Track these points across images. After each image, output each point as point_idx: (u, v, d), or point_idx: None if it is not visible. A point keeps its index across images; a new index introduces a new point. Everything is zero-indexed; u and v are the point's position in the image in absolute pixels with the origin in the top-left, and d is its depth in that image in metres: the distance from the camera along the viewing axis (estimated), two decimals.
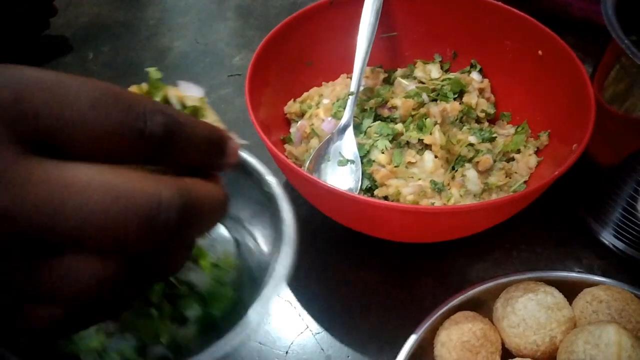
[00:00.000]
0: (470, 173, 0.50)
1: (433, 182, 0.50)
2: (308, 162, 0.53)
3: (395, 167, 0.51)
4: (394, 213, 0.43)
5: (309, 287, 0.50)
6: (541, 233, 0.53)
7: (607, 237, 0.52)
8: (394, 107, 0.55)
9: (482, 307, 0.45)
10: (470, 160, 0.52)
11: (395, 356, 0.41)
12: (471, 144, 0.53)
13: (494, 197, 0.50)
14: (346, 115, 0.54)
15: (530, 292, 0.42)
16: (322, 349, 0.46)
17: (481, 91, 0.58)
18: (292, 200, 0.56)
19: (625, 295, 0.42)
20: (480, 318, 0.43)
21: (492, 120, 0.58)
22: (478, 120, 0.57)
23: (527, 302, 0.42)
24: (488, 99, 0.57)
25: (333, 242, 0.53)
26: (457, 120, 0.55)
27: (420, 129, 0.53)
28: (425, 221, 0.44)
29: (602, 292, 0.43)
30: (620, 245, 0.51)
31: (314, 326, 0.48)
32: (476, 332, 0.41)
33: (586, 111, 0.46)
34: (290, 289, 0.50)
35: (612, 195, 0.50)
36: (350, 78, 0.56)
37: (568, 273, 0.46)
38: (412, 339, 0.42)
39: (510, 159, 0.54)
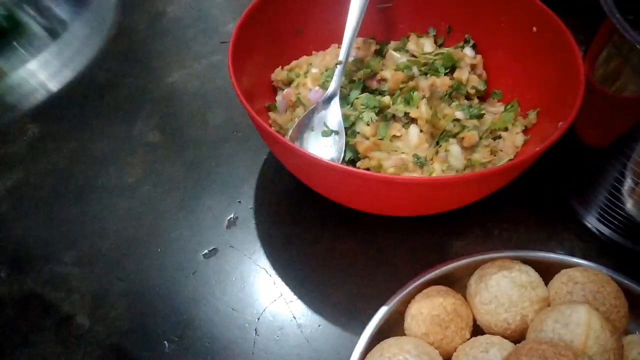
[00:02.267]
0: (454, 148, 0.49)
1: (416, 157, 0.49)
2: (291, 130, 0.52)
3: (380, 139, 0.50)
4: (370, 182, 0.42)
5: (285, 256, 0.50)
6: (524, 214, 0.53)
7: (591, 221, 0.51)
8: (383, 80, 0.54)
9: (456, 283, 0.44)
10: (455, 136, 0.51)
11: (365, 327, 0.40)
12: (457, 120, 0.52)
13: None
14: (333, 84, 0.53)
15: (505, 270, 0.42)
16: (294, 317, 0.46)
17: (473, 67, 0.57)
18: (276, 171, 0.57)
19: (601, 277, 0.42)
20: (453, 293, 0.42)
21: (483, 97, 0.57)
22: (468, 97, 0.56)
23: (500, 280, 0.41)
24: (480, 76, 0.56)
25: (313, 213, 0.53)
26: (447, 96, 0.54)
27: (408, 102, 0.52)
28: (401, 192, 0.43)
29: (579, 274, 0.42)
30: (603, 229, 0.50)
31: (288, 294, 0.48)
32: (447, 307, 0.41)
33: (575, 89, 0.45)
34: (267, 257, 0.50)
35: (598, 178, 0.49)
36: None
37: (546, 253, 0.45)
38: (383, 310, 0.42)
39: (498, 137, 0.53)
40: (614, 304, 0.40)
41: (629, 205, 0.47)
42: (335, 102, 0.53)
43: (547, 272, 0.43)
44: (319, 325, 0.46)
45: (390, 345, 0.38)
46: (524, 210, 0.53)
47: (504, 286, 0.41)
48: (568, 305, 0.38)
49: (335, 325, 0.46)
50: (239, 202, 0.54)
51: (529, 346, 0.34)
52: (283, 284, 0.48)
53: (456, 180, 0.42)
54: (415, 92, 0.52)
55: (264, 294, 0.48)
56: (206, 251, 0.50)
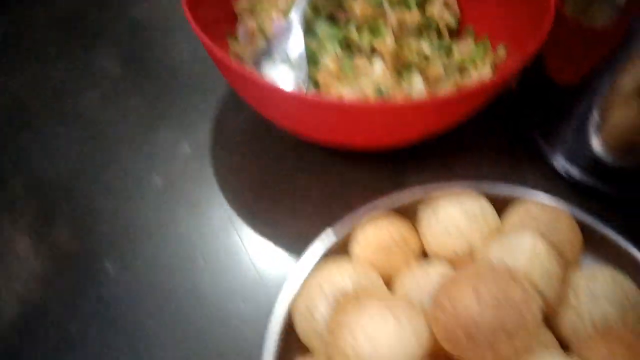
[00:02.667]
0: (416, 80, 0.47)
1: (377, 89, 0.47)
2: (251, 60, 0.50)
3: (343, 72, 0.49)
4: (322, 108, 0.40)
5: (238, 185, 0.49)
6: (489, 152, 0.51)
7: (557, 160, 0.49)
8: (351, 11, 0.52)
9: (409, 213, 0.42)
10: (420, 70, 0.49)
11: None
12: (424, 55, 0.50)
13: None
14: (296, 14, 0.51)
15: (457, 200, 0.40)
16: (244, 248, 0.45)
17: (446, 4, 0.54)
18: (236, 105, 0.55)
19: (557, 211, 0.40)
20: (402, 221, 0.41)
21: (455, 35, 0.55)
22: (439, 34, 0.54)
23: (451, 209, 0.40)
24: (451, 10, 0.54)
25: (270, 147, 0.51)
26: (416, 31, 0.52)
27: (374, 33, 0.50)
28: (355, 117, 0.41)
29: (535, 207, 0.41)
30: (569, 168, 0.48)
31: (238, 221, 0.46)
32: (393, 233, 0.39)
33: (544, 18, 0.43)
34: (220, 186, 0.49)
35: (566, 115, 0.47)
36: None
37: (503, 186, 0.43)
38: (328, 233, 0.41)
39: (466, 74, 0.51)
40: (568, 238, 0.39)
41: (595, 143, 0.46)
42: (298, 31, 0.51)
43: (503, 206, 0.42)
44: (266, 251, 0.44)
45: (330, 266, 0.37)
46: (488, 149, 0.51)
47: (454, 216, 0.39)
48: (516, 233, 0.36)
49: (282, 250, 0.44)
50: (196, 134, 0.52)
51: (467, 269, 0.33)
52: (233, 211, 0.47)
53: (408, 106, 0.40)
54: (382, 23, 0.50)
55: (214, 220, 0.46)
56: (159, 181, 0.49)
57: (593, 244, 0.42)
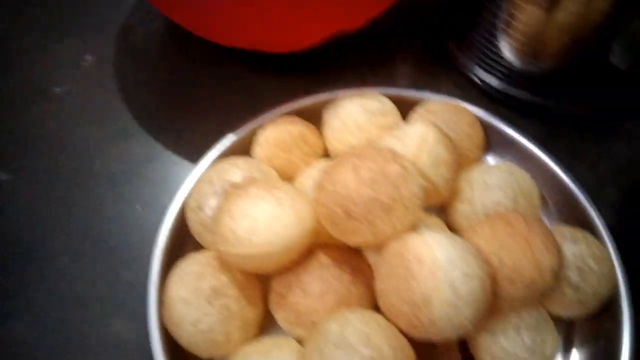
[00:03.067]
0: None
1: None
2: None
3: None
4: None
5: (145, 99, 0.47)
6: (404, 63, 0.50)
7: (471, 68, 0.49)
8: None
9: (316, 119, 0.42)
10: None
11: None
12: None
13: None
14: None
15: (357, 98, 0.40)
16: (145, 156, 0.43)
17: None
18: (145, 17, 0.52)
19: (458, 107, 0.40)
20: (304, 123, 0.40)
21: None
22: None
23: (350, 106, 0.39)
24: None
25: (179, 58, 0.50)
26: None
27: None
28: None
29: (436, 105, 0.40)
30: (483, 76, 0.48)
31: (142, 135, 0.45)
32: (292, 132, 0.39)
33: None
34: (126, 102, 0.47)
35: (476, 22, 0.47)
36: None
37: (411, 92, 0.43)
38: (229, 138, 0.40)
39: None
40: (467, 132, 0.39)
41: (505, 48, 0.45)
42: None
43: (408, 110, 0.41)
44: (169, 158, 0.43)
45: (223, 163, 0.36)
46: (402, 60, 0.50)
47: (353, 112, 0.39)
48: (409, 124, 0.36)
49: (185, 157, 0.44)
50: (101, 45, 0.50)
51: (350, 152, 0.32)
52: (135, 121, 0.45)
53: None
54: None
55: (114, 129, 0.45)
56: (60, 91, 0.47)
57: (499, 146, 0.43)
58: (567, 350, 0.37)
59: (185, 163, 0.43)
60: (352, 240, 0.30)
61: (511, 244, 0.30)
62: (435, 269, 0.27)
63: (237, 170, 0.35)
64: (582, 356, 0.36)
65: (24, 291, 0.37)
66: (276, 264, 0.31)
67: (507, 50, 0.45)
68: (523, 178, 0.37)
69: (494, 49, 0.46)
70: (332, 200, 0.30)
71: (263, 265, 0.31)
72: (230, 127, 0.40)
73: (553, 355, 0.33)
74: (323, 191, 0.30)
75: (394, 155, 0.31)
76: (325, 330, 0.27)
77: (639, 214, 0.42)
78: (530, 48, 0.44)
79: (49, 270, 0.38)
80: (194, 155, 0.43)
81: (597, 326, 0.36)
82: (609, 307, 0.35)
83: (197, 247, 0.36)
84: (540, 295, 0.30)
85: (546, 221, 0.40)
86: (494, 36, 0.46)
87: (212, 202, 0.34)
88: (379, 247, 0.30)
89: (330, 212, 0.30)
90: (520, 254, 0.30)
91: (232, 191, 0.33)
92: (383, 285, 0.28)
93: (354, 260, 0.33)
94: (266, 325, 0.34)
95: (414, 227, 0.31)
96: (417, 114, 0.40)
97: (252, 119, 0.41)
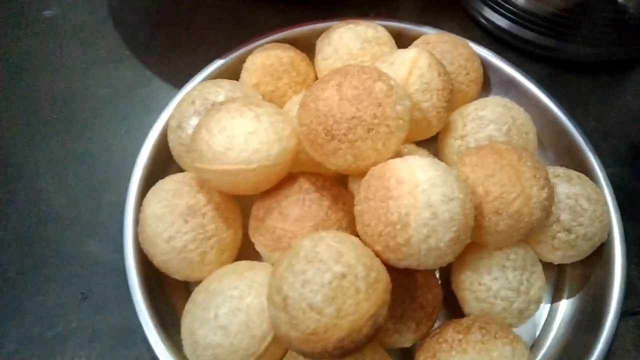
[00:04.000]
0: None
1: None
2: None
3: None
4: None
5: (136, 24, 0.45)
6: (403, 2, 0.48)
7: (477, 7, 0.46)
8: None
9: (309, 49, 0.40)
10: None
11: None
12: None
13: None
14: None
15: (353, 25, 0.38)
16: (132, 80, 0.42)
17: None
18: None
19: (456, 40, 0.38)
20: (296, 50, 0.38)
21: None
22: None
23: (343, 33, 0.37)
24: None
25: None
26: None
27: None
28: None
29: (434, 36, 0.39)
30: (488, 15, 0.46)
31: (132, 60, 0.43)
32: (282, 58, 0.37)
33: None
34: (116, 27, 0.45)
35: None
36: None
37: (408, 24, 0.41)
38: (217, 63, 0.38)
39: None
40: (463, 65, 0.37)
41: None
42: None
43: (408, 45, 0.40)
44: (156, 82, 0.42)
45: (206, 82, 0.35)
46: None
47: (346, 39, 0.37)
48: (403, 50, 0.34)
49: (173, 82, 0.42)
50: None
51: (335, 69, 0.31)
52: (125, 45, 0.44)
53: None
54: None
55: (104, 52, 0.44)
56: (50, 14, 0.45)
57: (499, 86, 0.41)
58: (556, 298, 0.35)
59: (173, 89, 0.42)
60: (333, 162, 0.29)
61: (499, 173, 0.29)
62: (414, 189, 0.26)
63: (220, 90, 0.34)
64: (572, 304, 0.35)
65: (4, 208, 0.37)
66: (254, 184, 0.29)
67: None
68: (519, 113, 0.35)
69: None
70: (313, 118, 0.28)
71: (240, 185, 0.29)
72: (220, 54, 0.39)
73: (539, 298, 0.32)
74: (304, 109, 0.29)
75: (380, 74, 0.29)
76: (298, 247, 0.26)
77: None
78: None
79: (29, 190, 0.38)
80: (182, 81, 0.41)
81: (587, 273, 0.34)
82: (601, 254, 0.34)
83: (180, 171, 0.35)
84: (527, 229, 0.29)
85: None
86: None
87: (192, 122, 0.33)
88: (361, 173, 0.29)
89: (311, 131, 0.29)
90: (507, 183, 0.28)
91: (210, 108, 0.32)
92: (361, 206, 0.27)
93: (335, 188, 0.31)
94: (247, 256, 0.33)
95: (398, 154, 0.29)
96: (415, 46, 0.38)
97: (240, 45, 0.39)
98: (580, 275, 0.35)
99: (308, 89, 0.30)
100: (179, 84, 0.40)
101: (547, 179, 0.29)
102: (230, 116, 0.29)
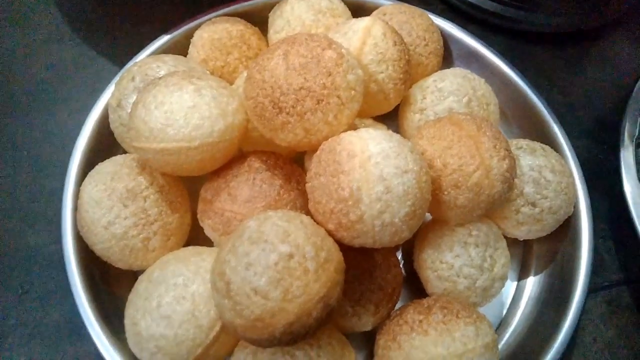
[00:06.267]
0: None
1: None
2: None
3: None
4: None
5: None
6: None
7: None
8: None
9: (262, 24, 0.38)
10: None
11: None
12: None
13: None
14: None
15: None
16: (74, 57, 0.40)
17: None
18: None
19: (414, 10, 0.36)
20: (246, 24, 0.36)
21: None
22: None
23: (296, 4, 0.35)
24: None
25: None
26: None
27: None
28: None
29: (391, 7, 0.37)
30: None
31: (73, 37, 0.41)
32: (232, 32, 0.35)
33: None
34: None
35: None
36: None
37: None
38: (163, 39, 0.36)
39: None
40: (422, 36, 0.35)
41: None
42: None
43: None
44: (99, 60, 0.40)
45: (147, 58, 0.33)
46: None
47: (298, 10, 0.35)
48: (357, 19, 0.32)
49: (117, 59, 0.40)
50: None
51: (283, 38, 0.29)
52: (65, 22, 0.41)
53: None
54: None
55: (44, 31, 0.41)
56: None
57: (462, 58, 0.39)
58: (522, 275, 0.34)
59: (119, 68, 0.39)
60: (283, 138, 0.27)
61: (457, 145, 0.27)
62: (366, 162, 0.24)
63: (162, 65, 0.31)
64: (539, 280, 0.34)
65: None
66: (198, 163, 0.27)
67: None
68: (480, 85, 0.33)
69: None
70: (259, 90, 0.26)
71: (183, 165, 0.27)
72: (169, 31, 0.37)
73: (504, 275, 0.30)
74: (250, 81, 0.27)
75: (330, 42, 0.27)
76: (243, 227, 0.24)
77: (606, 143, 0.39)
78: None
79: None
80: (128, 60, 0.39)
81: (554, 249, 0.33)
82: (568, 228, 0.32)
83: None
84: (488, 203, 0.27)
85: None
86: None
87: (132, 99, 0.31)
88: (313, 149, 0.27)
89: (257, 105, 0.27)
90: (466, 155, 0.27)
91: (150, 83, 0.29)
92: (312, 183, 0.25)
93: (288, 166, 0.29)
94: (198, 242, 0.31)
95: (352, 128, 0.28)
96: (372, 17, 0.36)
97: (190, 20, 0.37)
98: (547, 251, 0.34)
99: (254, 59, 0.28)
100: (125, 62, 0.38)
101: (508, 149, 0.28)
102: (168, 90, 0.27)
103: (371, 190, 0.23)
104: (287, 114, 0.26)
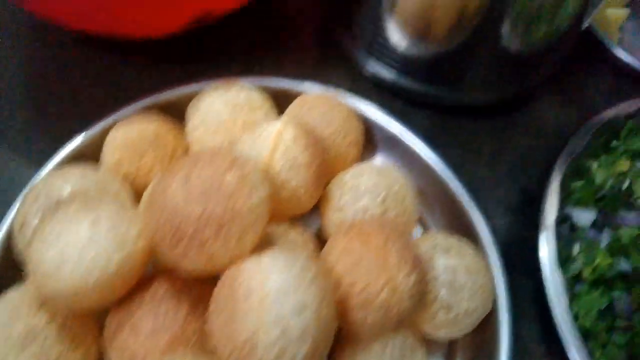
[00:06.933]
0: None
1: None
2: None
3: None
4: None
5: None
6: (292, 52, 0.46)
7: (360, 57, 0.45)
8: None
9: (182, 115, 0.37)
10: None
11: None
12: None
13: None
14: None
15: (223, 91, 0.35)
16: None
17: None
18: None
19: (334, 102, 0.36)
20: (162, 120, 0.36)
21: None
22: None
23: (213, 100, 0.35)
24: None
25: (40, 47, 0.44)
26: None
27: None
28: None
29: (311, 98, 0.37)
30: (371, 65, 0.44)
31: None
32: (145, 131, 0.34)
33: None
34: None
35: (362, 6, 0.43)
36: None
37: (286, 81, 0.39)
38: (79, 139, 0.35)
39: None
40: (341, 126, 0.35)
41: (392, 29, 0.41)
42: None
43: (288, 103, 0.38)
44: (9, 163, 0.38)
45: (54, 173, 0.32)
46: (292, 49, 0.46)
47: (215, 106, 0.35)
48: (269, 122, 0.32)
49: (35, 159, 0.38)
50: None
51: (188, 156, 0.28)
52: None
53: None
54: None
55: None
56: None
57: (385, 145, 0.39)
58: None
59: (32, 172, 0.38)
60: (187, 266, 0.26)
61: (365, 262, 0.27)
62: (264, 299, 0.23)
63: (64, 184, 0.30)
64: None
65: None
66: (100, 300, 0.26)
67: (394, 34, 0.41)
68: (395, 179, 0.33)
69: (382, 34, 0.42)
70: (160, 215, 0.26)
71: (83, 303, 0.26)
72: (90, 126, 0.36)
73: None
74: (152, 204, 0.26)
75: (232, 162, 0.26)
76: None
77: (532, 215, 0.39)
78: (417, 30, 0.40)
79: None
80: (43, 160, 0.37)
81: (477, 342, 0.33)
82: (488, 322, 0.32)
83: None
84: (398, 319, 0.27)
85: (433, 227, 0.37)
86: (380, 19, 0.41)
87: (35, 223, 0.29)
88: (217, 275, 0.26)
89: (159, 231, 0.26)
90: (373, 271, 0.26)
91: (54, 208, 0.28)
92: (211, 322, 0.25)
93: (197, 289, 0.28)
94: None
95: (258, 247, 0.27)
96: (292, 108, 0.36)
97: (108, 116, 0.36)
98: (471, 344, 0.34)
99: (159, 177, 0.27)
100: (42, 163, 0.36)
101: (415, 260, 0.28)
102: (64, 224, 0.26)
103: (266, 334, 0.23)
104: (186, 242, 0.25)
